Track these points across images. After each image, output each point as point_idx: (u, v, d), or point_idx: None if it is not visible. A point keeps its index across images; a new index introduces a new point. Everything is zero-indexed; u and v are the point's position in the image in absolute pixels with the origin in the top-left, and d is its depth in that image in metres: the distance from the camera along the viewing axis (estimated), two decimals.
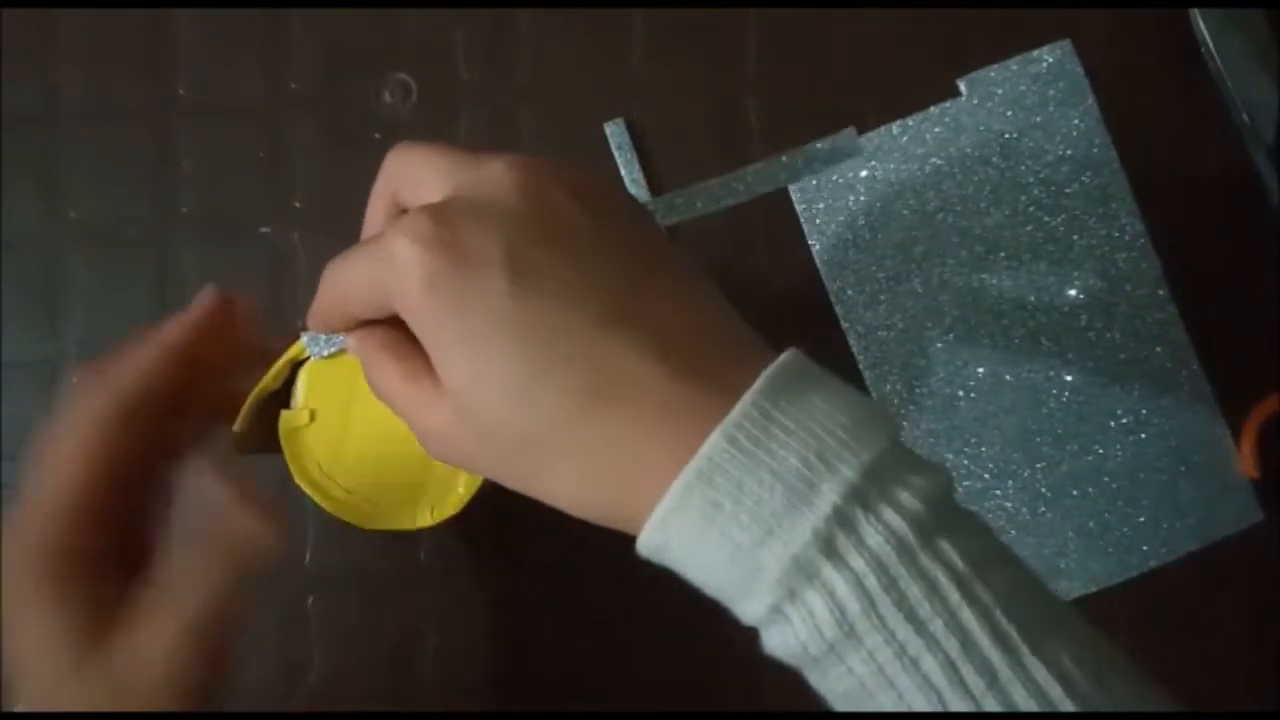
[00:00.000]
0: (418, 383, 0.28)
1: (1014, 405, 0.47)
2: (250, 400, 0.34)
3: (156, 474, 0.33)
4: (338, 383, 0.34)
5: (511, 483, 0.28)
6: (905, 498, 0.25)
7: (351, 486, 0.34)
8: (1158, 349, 0.47)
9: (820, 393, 0.26)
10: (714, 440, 0.25)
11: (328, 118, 0.47)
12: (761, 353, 0.27)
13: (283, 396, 0.35)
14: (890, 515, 0.25)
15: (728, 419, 0.25)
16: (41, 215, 0.47)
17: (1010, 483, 0.47)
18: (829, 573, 0.24)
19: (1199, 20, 0.47)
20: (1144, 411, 0.47)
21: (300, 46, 0.47)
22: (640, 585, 0.45)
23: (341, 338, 0.32)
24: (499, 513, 0.46)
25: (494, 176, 0.27)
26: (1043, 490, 0.47)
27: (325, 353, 0.33)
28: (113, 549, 0.31)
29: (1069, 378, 0.47)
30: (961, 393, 0.47)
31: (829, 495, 0.24)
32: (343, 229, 0.46)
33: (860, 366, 0.47)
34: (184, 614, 0.29)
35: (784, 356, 0.26)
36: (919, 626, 0.24)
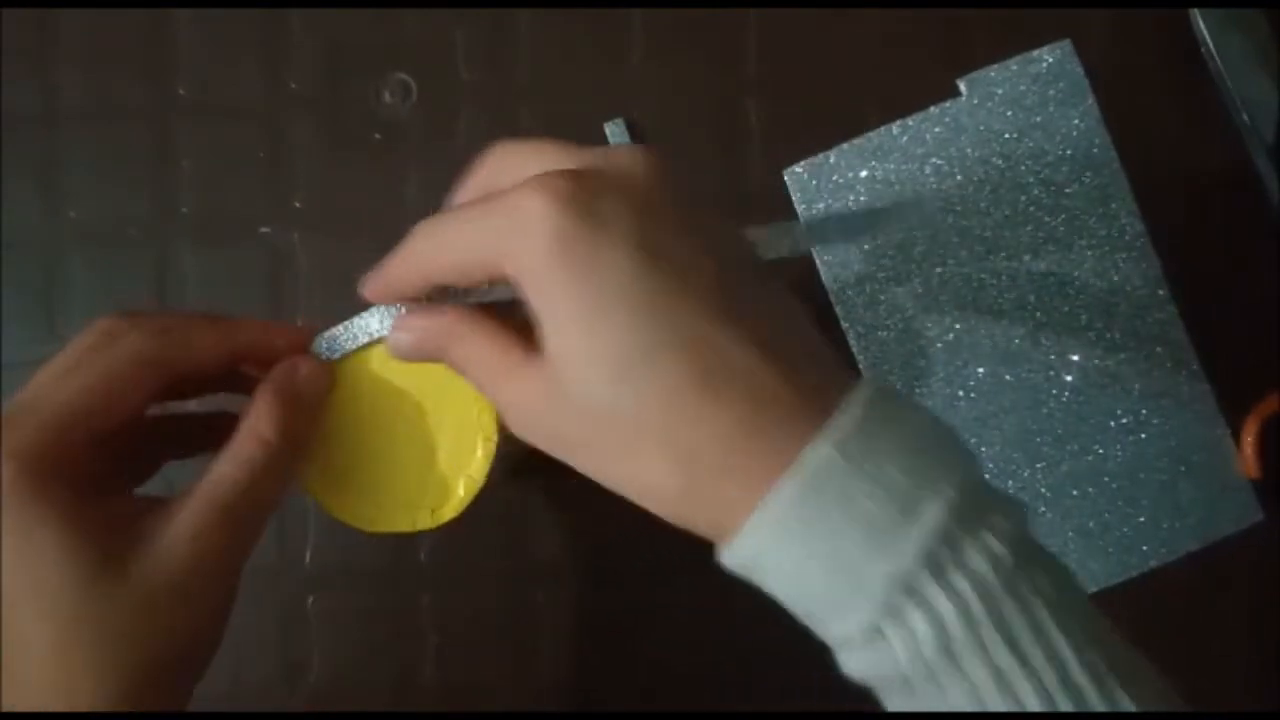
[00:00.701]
0: (508, 352, 0.28)
1: (1014, 405, 0.47)
2: None
3: (169, 433, 0.33)
4: (338, 386, 0.34)
5: (590, 466, 0.27)
6: (1000, 522, 0.25)
7: (353, 489, 0.34)
8: (1158, 349, 0.47)
9: (914, 414, 0.26)
10: (824, 449, 0.25)
11: (328, 118, 0.47)
12: (847, 373, 0.27)
13: None
14: (989, 538, 0.24)
15: (836, 426, 0.25)
16: (41, 215, 0.47)
17: (1010, 483, 0.47)
18: (934, 592, 0.24)
19: (1199, 20, 0.47)
20: (1144, 411, 0.47)
21: (300, 46, 0.47)
22: (640, 585, 0.46)
23: (351, 345, 0.32)
24: (499, 514, 0.46)
25: (627, 156, 0.27)
26: (1043, 490, 0.47)
27: (338, 355, 0.33)
28: (120, 475, 0.30)
29: (1069, 378, 0.47)
30: (961, 393, 0.47)
31: (935, 513, 0.24)
32: (343, 229, 0.47)
33: (860, 366, 0.47)
34: (214, 492, 0.28)
35: (873, 380, 0.27)
36: (1020, 655, 0.24)
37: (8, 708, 0.27)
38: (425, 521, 0.34)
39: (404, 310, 0.31)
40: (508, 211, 0.26)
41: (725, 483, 0.25)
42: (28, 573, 0.27)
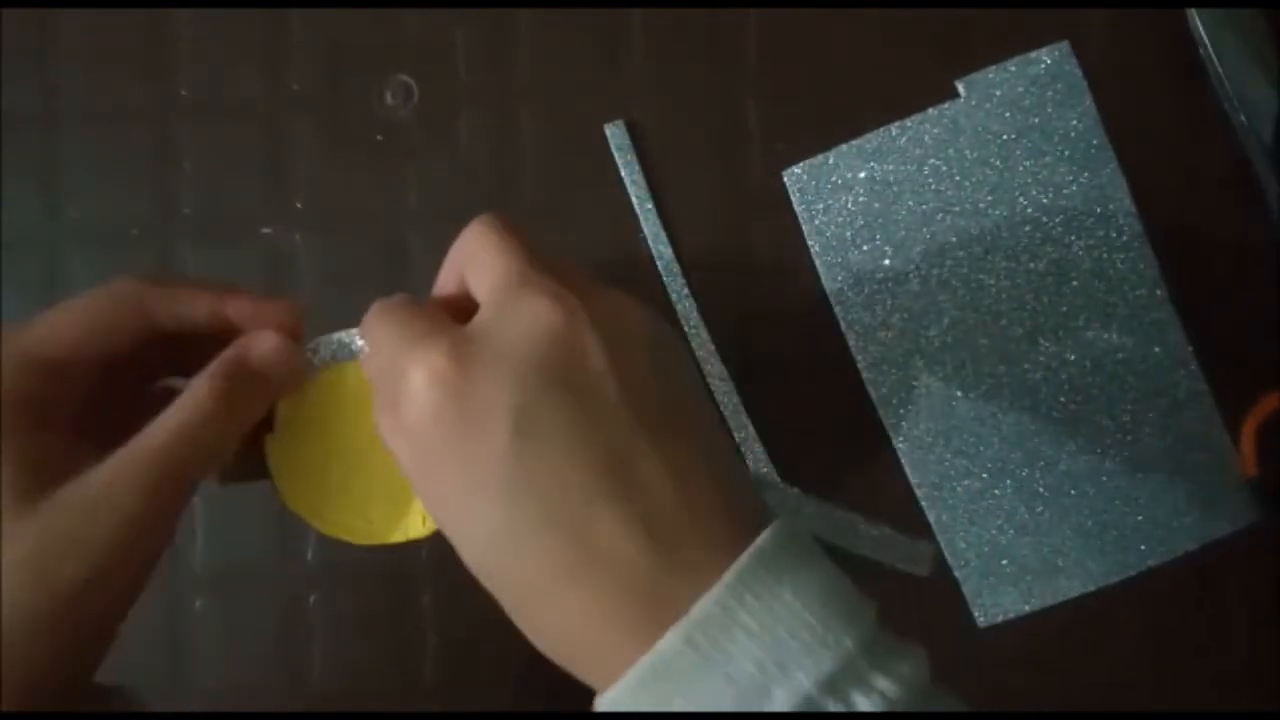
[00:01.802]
0: None
1: (1012, 405, 0.47)
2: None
3: (138, 381, 0.32)
4: (318, 400, 0.33)
5: (499, 599, 0.28)
6: (863, 702, 0.24)
7: (342, 504, 0.34)
8: (1155, 349, 0.47)
9: (793, 583, 0.25)
10: (671, 639, 0.24)
11: (328, 118, 0.47)
12: (747, 530, 0.26)
13: (264, 421, 0.34)
14: None
15: (689, 617, 0.24)
16: (41, 215, 0.47)
17: (1008, 482, 0.47)
18: None
19: (1197, 21, 0.47)
20: (1142, 411, 0.47)
21: (300, 47, 0.47)
22: None
23: (342, 356, 0.32)
24: None
25: (533, 312, 0.26)
26: (1041, 490, 0.47)
27: (327, 360, 0.33)
28: (75, 422, 0.30)
29: (1067, 377, 0.47)
30: (960, 392, 0.47)
31: (780, 700, 0.24)
32: (344, 230, 0.47)
33: (859, 366, 0.47)
34: (137, 447, 0.28)
35: (762, 540, 0.25)
36: None
37: None
38: (418, 530, 0.34)
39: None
40: (395, 374, 0.27)
41: (600, 656, 0.26)
42: None
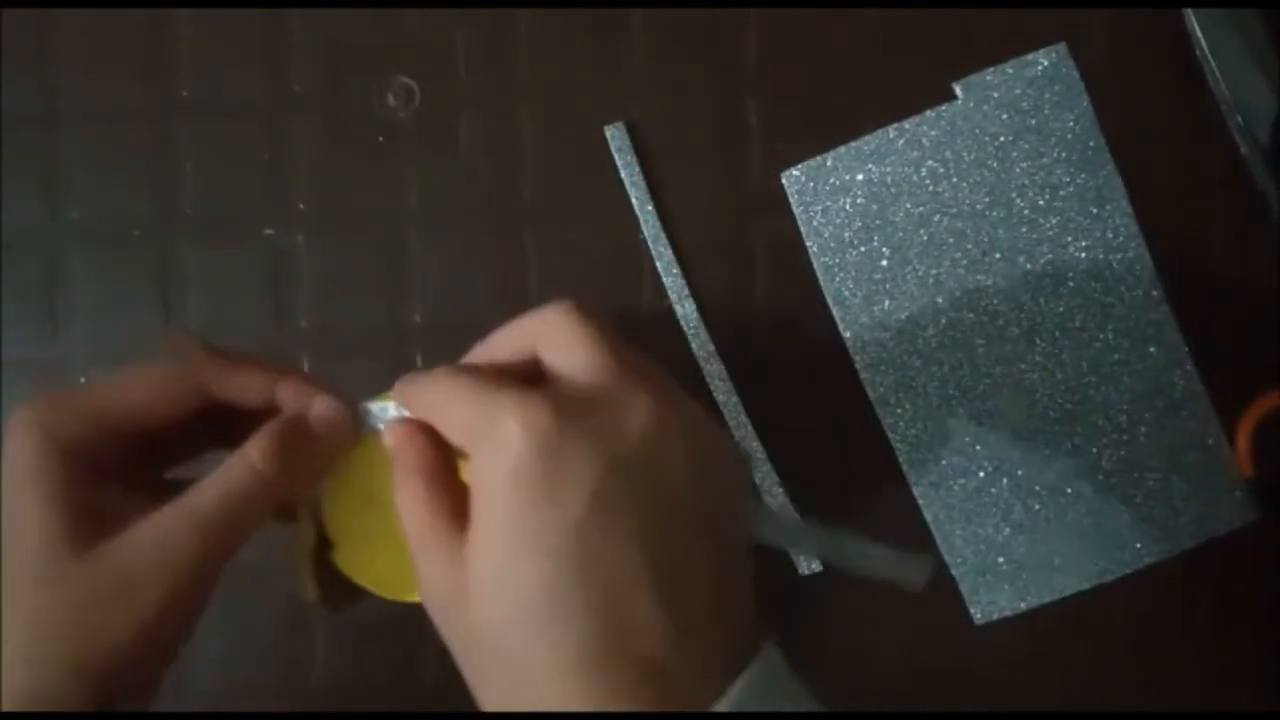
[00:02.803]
0: (435, 519, 0.28)
1: (1009, 405, 0.47)
2: (308, 557, 0.34)
3: (191, 448, 0.33)
4: (363, 464, 0.33)
5: (466, 674, 0.28)
6: None
7: (380, 557, 0.33)
8: (1152, 349, 0.47)
9: (785, 704, 0.26)
10: None
11: (329, 119, 0.47)
12: (752, 642, 0.27)
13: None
14: None
15: None
16: (41, 215, 0.47)
17: (1005, 481, 0.47)
18: None
19: (1194, 22, 0.47)
20: (1138, 411, 0.47)
21: (300, 47, 0.47)
22: None
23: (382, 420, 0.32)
24: None
25: (635, 405, 0.27)
26: (1037, 489, 0.47)
27: (373, 426, 0.33)
28: (124, 475, 0.31)
29: (1063, 377, 0.47)
30: (956, 392, 0.47)
31: None
32: (345, 231, 0.47)
33: (857, 366, 0.47)
34: (190, 504, 0.29)
35: (756, 669, 0.26)
36: None
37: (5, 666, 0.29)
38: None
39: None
40: (492, 417, 0.27)
41: None
42: (17, 533, 0.29)
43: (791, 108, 0.47)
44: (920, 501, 0.47)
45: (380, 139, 0.47)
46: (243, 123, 0.47)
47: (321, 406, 0.32)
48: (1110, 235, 0.47)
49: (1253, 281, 0.47)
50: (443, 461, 0.30)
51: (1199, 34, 0.47)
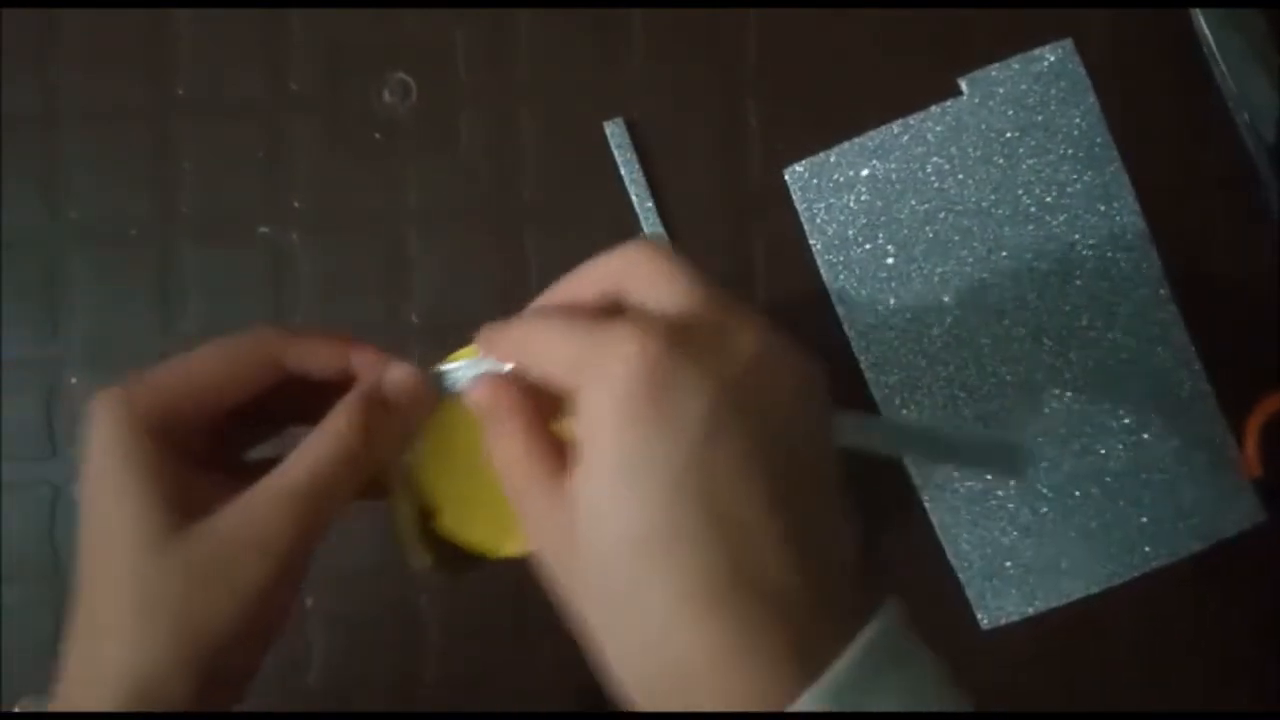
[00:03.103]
0: (538, 463, 0.28)
1: (1015, 405, 0.47)
2: (413, 528, 0.34)
3: (268, 427, 0.33)
4: (447, 427, 0.33)
5: (575, 609, 0.27)
6: None
7: (479, 519, 0.33)
8: (1159, 349, 0.47)
9: (909, 664, 0.25)
10: (805, 704, 0.23)
11: (328, 118, 0.47)
12: (867, 597, 0.26)
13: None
14: None
15: (822, 686, 0.24)
16: (41, 215, 0.47)
17: (1011, 483, 0.47)
18: None
19: (1200, 19, 0.47)
20: (1146, 412, 0.47)
21: (300, 46, 0.47)
22: None
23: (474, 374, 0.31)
24: None
25: (743, 334, 0.26)
26: (1044, 490, 0.47)
27: (460, 388, 0.32)
28: (204, 456, 0.31)
29: (1070, 377, 0.47)
30: (963, 392, 0.47)
31: None
32: (343, 229, 0.47)
33: (861, 365, 0.46)
34: (279, 481, 0.29)
35: (881, 622, 0.25)
36: None
37: (84, 641, 0.29)
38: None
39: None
40: (599, 346, 0.26)
41: (701, 704, 0.24)
42: (114, 518, 0.29)
43: (792, 107, 0.47)
44: (926, 505, 0.47)
45: (379, 138, 0.47)
46: (242, 122, 0.47)
47: (396, 374, 0.32)
48: (1117, 233, 0.47)
49: (1259, 281, 0.47)
50: (534, 411, 0.29)
51: (1205, 33, 0.46)
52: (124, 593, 0.28)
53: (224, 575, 0.28)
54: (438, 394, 0.32)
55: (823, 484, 0.27)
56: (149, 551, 0.28)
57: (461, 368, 0.32)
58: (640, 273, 0.28)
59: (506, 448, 0.29)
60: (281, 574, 0.29)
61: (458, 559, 0.34)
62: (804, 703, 0.23)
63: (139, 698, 0.28)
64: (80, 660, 0.29)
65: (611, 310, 0.28)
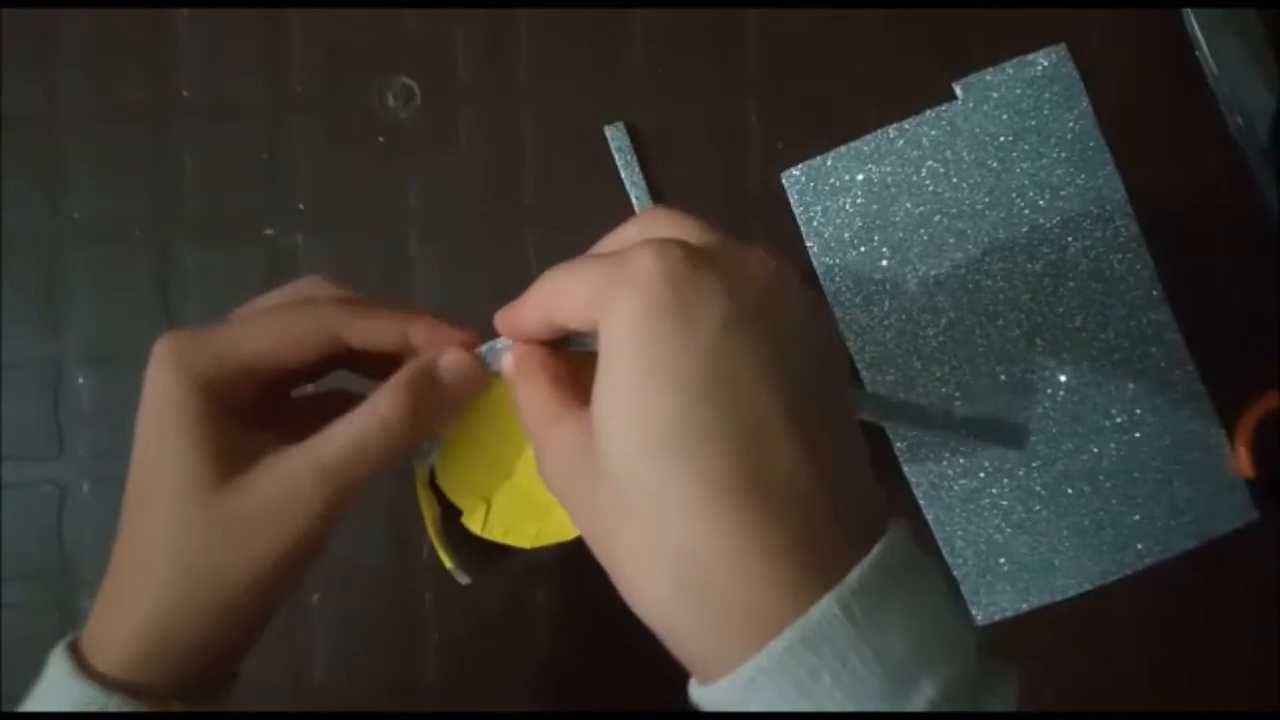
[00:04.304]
0: (558, 399, 0.28)
1: (1009, 405, 0.47)
2: (435, 531, 0.34)
3: (305, 380, 0.34)
4: (481, 412, 0.33)
5: (591, 536, 0.27)
6: (990, 701, 0.24)
7: (516, 508, 0.34)
8: (1152, 349, 0.47)
9: (924, 580, 0.25)
10: (828, 604, 0.24)
11: (329, 119, 0.47)
12: (883, 518, 0.26)
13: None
14: None
15: (845, 585, 0.24)
16: (42, 215, 0.47)
17: (1005, 481, 0.47)
18: None
19: (1193, 22, 0.47)
20: (1139, 411, 0.47)
21: (300, 47, 0.47)
22: None
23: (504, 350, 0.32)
24: None
25: (753, 254, 0.27)
26: (1038, 489, 0.47)
27: (496, 366, 0.33)
28: (252, 415, 0.31)
29: (1063, 378, 0.47)
30: (957, 393, 0.47)
31: (927, 692, 0.23)
32: (346, 231, 0.47)
33: (857, 366, 0.47)
34: (317, 449, 0.30)
35: (896, 535, 0.25)
36: None
37: (118, 576, 0.31)
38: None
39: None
40: (617, 263, 0.26)
41: (722, 609, 0.24)
42: (159, 465, 0.30)
43: (791, 108, 0.47)
44: (921, 502, 0.47)
45: (380, 139, 0.47)
46: (242, 122, 0.47)
47: (451, 358, 0.32)
48: (1110, 235, 0.47)
49: (1254, 282, 0.47)
50: (562, 364, 0.30)
51: (1199, 34, 0.47)
52: (158, 537, 0.30)
53: (252, 534, 0.29)
54: (488, 376, 0.33)
55: (835, 400, 0.28)
56: (188, 502, 0.29)
57: (493, 347, 0.33)
58: (658, 224, 0.29)
59: (532, 394, 0.29)
60: (306, 539, 0.30)
61: (478, 558, 0.35)
62: (823, 606, 0.24)
63: (159, 633, 0.29)
64: (114, 588, 0.31)
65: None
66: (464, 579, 0.35)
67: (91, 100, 0.47)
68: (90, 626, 0.31)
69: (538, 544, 0.34)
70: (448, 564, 0.35)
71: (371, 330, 0.32)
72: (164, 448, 0.30)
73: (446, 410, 0.32)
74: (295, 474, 0.30)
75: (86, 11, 0.47)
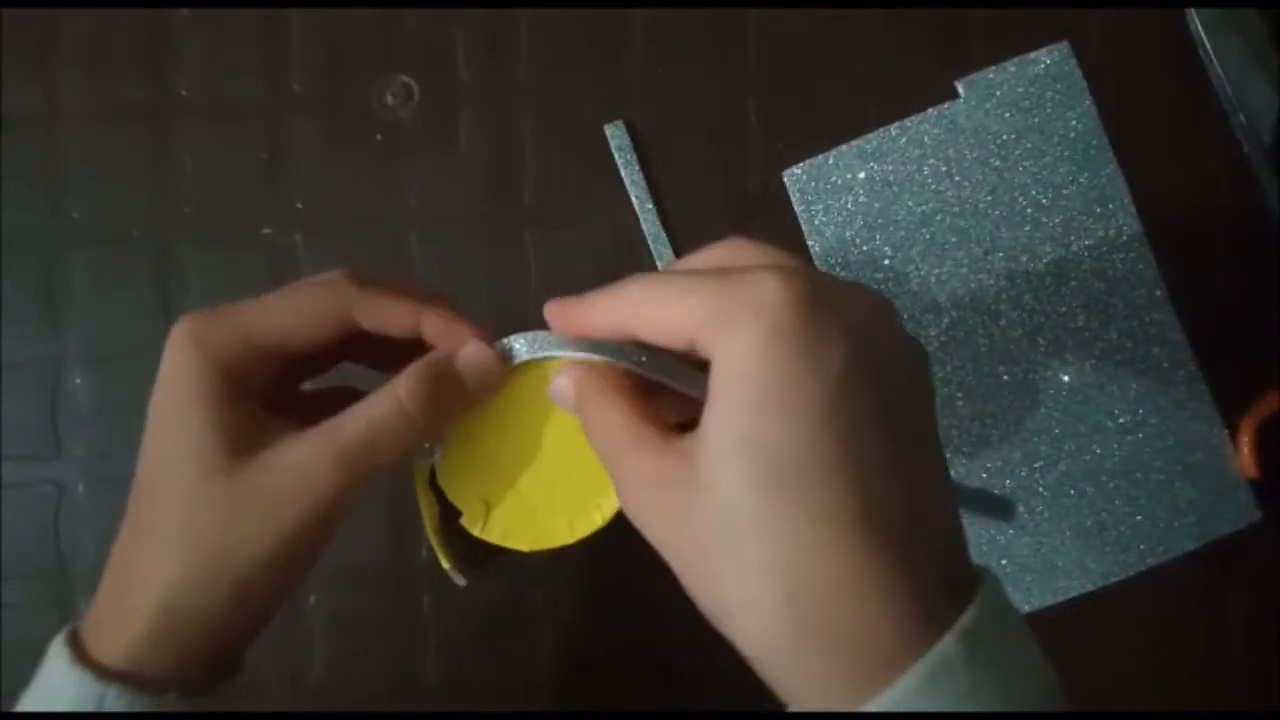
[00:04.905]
0: (640, 425, 0.28)
1: (1011, 405, 0.47)
2: (434, 532, 0.34)
3: (319, 363, 0.34)
4: (492, 410, 0.33)
5: (687, 570, 0.27)
6: None
7: (521, 509, 0.34)
8: (1155, 349, 0.47)
9: (1020, 623, 0.26)
10: (950, 644, 0.24)
11: (329, 118, 0.47)
12: (967, 557, 0.27)
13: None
14: None
15: (961, 626, 0.24)
16: (42, 215, 0.47)
17: (1008, 482, 0.47)
18: None
19: (1196, 21, 0.47)
20: (1141, 411, 0.47)
21: (300, 47, 0.47)
22: (642, 583, 0.46)
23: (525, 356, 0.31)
24: None
25: (854, 291, 0.27)
26: (1040, 489, 0.47)
27: (525, 357, 0.32)
28: (267, 396, 0.31)
29: (1066, 378, 0.47)
30: (960, 393, 0.47)
31: None
32: (345, 230, 0.47)
33: None
34: (333, 434, 0.30)
35: (991, 580, 0.26)
36: None
37: (127, 552, 0.31)
38: (593, 523, 0.34)
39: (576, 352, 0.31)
40: (742, 283, 0.26)
41: (833, 640, 0.24)
42: (174, 444, 0.30)
43: (791, 108, 0.47)
44: None
45: (379, 138, 0.47)
46: (242, 122, 0.47)
47: (471, 350, 0.32)
48: (1113, 234, 0.47)
49: (1255, 281, 0.47)
50: (630, 381, 0.30)
51: (1201, 34, 0.47)
52: (172, 514, 0.30)
53: (264, 515, 0.29)
54: (507, 370, 0.32)
55: (934, 442, 0.28)
56: (201, 480, 0.29)
57: (519, 342, 0.32)
58: (744, 254, 0.29)
59: (608, 415, 0.29)
60: (318, 522, 0.30)
61: (480, 557, 0.34)
62: (943, 646, 0.24)
63: (169, 609, 0.29)
64: (121, 568, 0.31)
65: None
66: (461, 580, 0.35)
67: (91, 100, 0.47)
68: (93, 611, 0.31)
69: (536, 548, 0.34)
70: (445, 564, 0.35)
71: (385, 312, 0.32)
72: (180, 425, 0.30)
73: (463, 402, 0.32)
74: (311, 454, 0.30)
75: (86, 11, 0.47)
